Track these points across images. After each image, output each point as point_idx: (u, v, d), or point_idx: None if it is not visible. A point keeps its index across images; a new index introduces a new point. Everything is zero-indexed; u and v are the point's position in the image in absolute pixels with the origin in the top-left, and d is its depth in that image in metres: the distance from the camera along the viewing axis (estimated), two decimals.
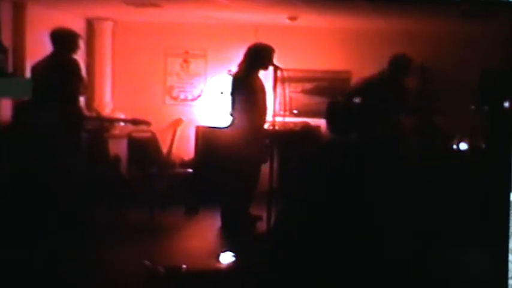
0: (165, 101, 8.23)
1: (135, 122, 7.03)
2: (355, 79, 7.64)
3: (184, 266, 4.41)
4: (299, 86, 8.02)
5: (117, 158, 7.00)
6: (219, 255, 4.93)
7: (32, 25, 6.77)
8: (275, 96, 6.06)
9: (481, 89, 6.94)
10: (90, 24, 7.99)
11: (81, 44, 6.21)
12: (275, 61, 5.95)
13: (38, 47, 6.26)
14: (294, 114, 7.86)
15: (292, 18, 7.23)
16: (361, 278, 3.48)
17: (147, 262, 4.43)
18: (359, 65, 7.69)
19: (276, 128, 6.24)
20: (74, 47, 5.91)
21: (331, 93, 7.91)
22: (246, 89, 6.08)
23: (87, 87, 6.94)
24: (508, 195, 1.93)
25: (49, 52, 5.82)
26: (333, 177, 3.98)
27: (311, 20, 7.39)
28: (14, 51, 6.66)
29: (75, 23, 7.24)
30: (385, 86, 6.35)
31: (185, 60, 8.21)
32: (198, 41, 8.12)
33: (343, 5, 6.32)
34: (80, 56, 6.22)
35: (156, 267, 4.30)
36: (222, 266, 4.78)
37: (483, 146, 6.26)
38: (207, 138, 7.40)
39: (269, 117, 6.21)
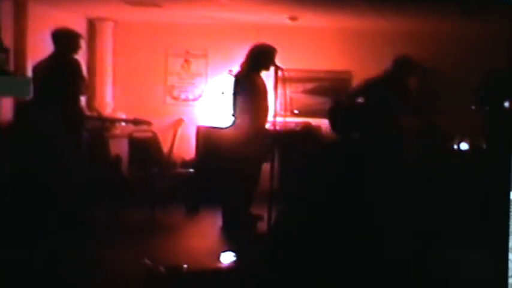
0: (166, 101, 8.24)
1: (136, 122, 7.04)
2: (355, 79, 7.65)
3: (185, 266, 4.41)
4: (300, 86, 8.02)
5: (118, 158, 7.01)
6: (219, 255, 4.93)
7: (33, 25, 6.78)
8: (276, 97, 6.06)
9: (482, 89, 6.94)
10: (91, 24, 8.00)
11: (83, 43, 6.21)
12: (276, 61, 5.96)
13: (39, 47, 6.26)
14: (295, 114, 7.87)
15: (293, 19, 7.24)
16: (361, 278, 3.48)
17: (147, 262, 4.43)
18: (360, 65, 7.70)
19: (277, 128, 6.25)
20: (75, 47, 5.91)
21: (332, 93, 7.92)
22: (248, 89, 6.08)
23: (88, 87, 6.95)
24: (508, 195, 1.93)
25: (50, 52, 5.82)
26: (333, 177, 3.98)
27: (312, 20, 7.40)
28: (15, 51, 6.67)
29: (76, 22, 7.25)
30: (388, 86, 6.35)
31: (186, 60, 8.22)
32: (199, 41, 8.13)
33: (344, 5, 6.32)
34: (81, 56, 6.23)
35: (157, 267, 4.30)
36: (223, 265, 4.78)
37: (483, 146, 6.26)
38: (207, 138, 7.40)
39: (270, 117, 6.22)
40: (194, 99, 8.22)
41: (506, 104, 6.33)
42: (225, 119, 7.38)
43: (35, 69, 5.88)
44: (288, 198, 5.11)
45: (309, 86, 8.08)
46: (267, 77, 6.21)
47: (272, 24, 7.60)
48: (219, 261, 4.85)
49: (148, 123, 6.99)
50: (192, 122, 7.90)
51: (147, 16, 7.58)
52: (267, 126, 6.27)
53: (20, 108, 5.98)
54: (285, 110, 6.54)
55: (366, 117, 4.76)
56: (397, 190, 3.86)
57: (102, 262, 4.74)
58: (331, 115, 4.29)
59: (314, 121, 7.61)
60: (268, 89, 6.17)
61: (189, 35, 8.11)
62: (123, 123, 7.35)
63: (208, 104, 8.08)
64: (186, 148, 7.74)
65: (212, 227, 6.22)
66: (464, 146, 6.41)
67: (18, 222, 5.10)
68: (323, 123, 7.34)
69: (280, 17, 7.19)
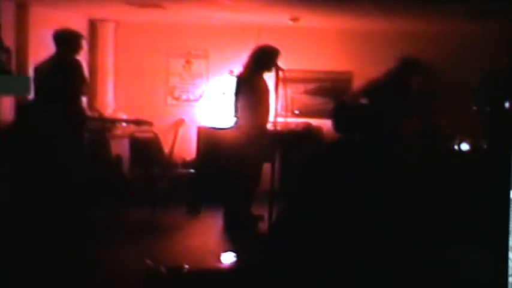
0: (167, 102, 8.25)
1: (137, 122, 7.05)
2: (356, 80, 7.66)
3: (186, 266, 4.42)
4: (301, 87, 8.02)
5: (119, 158, 7.02)
6: (220, 255, 4.94)
7: (35, 26, 6.79)
8: (277, 97, 6.07)
9: (482, 90, 6.94)
10: (92, 25, 8.01)
11: (84, 44, 6.22)
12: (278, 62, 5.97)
13: (41, 48, 6.28)
14: (296, 114, 7.87)
15: (295, 19, 7.24)
16: (361, 278, 3.49)
17: (148, 262, 4.44)
18: (361, 66, 7.70)
19: (278, 128, 6.26)
20: (77, 48, 5.92)
21: (333, 93, 7.92)
22: (250, 90, 6.09)
23: (90, 87, 6.97)
24: (508, 195, 1.94)
25: (52, 52, 5.83)
26: (333, 178, 3.99)
27: (313, 21, 7.40)
28: (17, 52, 6.69)
29: (77, 23, 7.26)
30: (392, 86, 6.35)
31: (187, 61, 8.23)
32: (200, 42, 8.14)
33: (345, 6, 6.33)
34: (82, 57, 6.24)
35: (157, 267, 4.31)
36: (224, 265, 4.79)
37: (484, 146, 6.26)
38: (208, 138, 7.41)
39: (271, 118, 6.23)
40: (195, 100, 8.23)
41: (507, 105, 6.32)
42: (226, 119, 7.39)
43: (37, 70, 5.89)
44: (288, 198, 5.12)
45: (310, 86, 8.09)
46: (268, 77, 6.23)
47: (273, 25, 7.61)
48: (220, 261, 4.86)
49: (149, 124, 7.00)
50: (193, 122, 7.91)
51: (148, 17, 7.59)
52: (268, 126, 6.28)
53: (21, 108, 5.99)
54: (286, 111, 6.55)
55: (369, 117, 4.77)
56: (397, 190, 3.86)
57: (103, 262, 4.74)
58: (335, 115, 4.30)
59: (315, 121, 7.61)
60: (270, 89, 6.18)
61: (190, 35, 8.12)
62: (124, 124, 7.36)
63: (209, 104, 8.09)
64: (187, 148, 7.74)
65: (213, 227, 6.22)
66: (464, 146, 6.41)
67: (19, 222, 5.10)
68: (324, 123, 7.36)
69: (281, 18, 7.20)
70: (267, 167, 6.15)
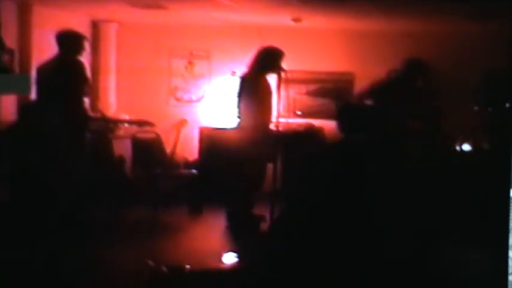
0: (169, 102, 8.26)
1: (139, 123, 7.06)
2: (358, 81, 7.67)
3: (187, 266, 4.43)
4: (303, 88, 8.03)
5: (121, 159, 7.03)
6: (222, 256, 4.94)
7: (38, 26, 6.81)
8: (279, 98, 6.09)
9: (484, 90, 6.94)
10: (95, 26, 8.02)
11: (86, 45, 6.24)
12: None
13: (44, 48, 6.29)
14: (298, 115, 7.88)
15: (296, 20, 7.25)
16: (361, 278, 3.49)
17: (150, 262, 4.45)
18: (362, 67, 7.71)
19: (280, 129, 6.27)
20: (79, 49, 5.93)
21: (335, 94, 7.93)
22: (254, 91, 6.10)
23: (92, 88, 6.98)
24: (507, 195, 1.94)
25: (54, 53, 5.85)
26: (335, 178, 3.99)
27: (315, 21, 7.41)
28: (20, 52, 6.71)
29: (80, 24, 7.28)
30: (397, 88, 6.34)
31: (189, 62, 8.24)
32: (203, 43, 8.15)
33: (346, 7, 6.34)
34: (84, 57, 6.25)
35: (159, 267, 4.32)
36: (226, 266, 4.79)
37: (485, 146, 6.26)
38: (211, 139, 7.42)
39: (273, 118, 6.23)
40: (197, 101, 8.24)
41: (508, 105, 6.32)
42: (228, 120, 7.40)
43: (39, 70, 5.91)
44: (290, 198, 5.12)
45: (312, 87, 8.09)
46: (270, 78, 6.23)
47: (275, 25, 7.62)
48: (222, 261, 4.86)
49: (152, 124, 7.01)
50: (195, 123, 7.92)
51: (150, 18, 7.60)
52: (271, 127, 6.29)
53: (23, 108, 6.00)
54: (288, 111, 6.58)
55: (374, 118, 4.78)
56: (397, 190, 3.87)
57: (104, 262, 4.75)
58: (339, 115, 4.31)
59: (317, 122, 7.61)
60: (273, 91, 6.19)
61: (192, 36, 8.13)
62: (126, 124, 7.38)
63: (211, 105, 8.10)
64: (189, 149, 7.75)
65: (215, 227, 6.23)
66: (466, 147, 6.41)
67: (20, 222, 5.11)
68: (325, 124, 7.37)
69: (283, 19, 7.21)
70: (268, 167, 6.17)
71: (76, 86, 5.88)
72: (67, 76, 5.79)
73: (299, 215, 4.11)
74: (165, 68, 8.22)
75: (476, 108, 6.88)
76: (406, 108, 6.22)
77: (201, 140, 7.58)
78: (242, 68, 6.44)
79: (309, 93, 8.09)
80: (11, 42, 6.52)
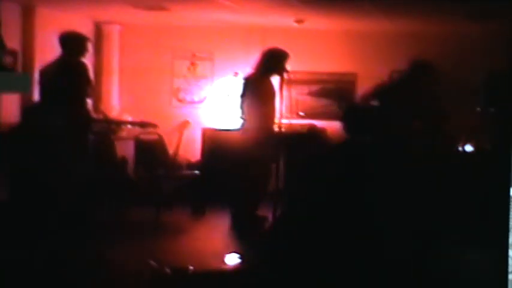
0: (172, 103, 8.27)
1: (142, 124, 7.07)
2: (360, 81, 7.67)
3: (190, 267, 4.43)
4: (305, 88, 8.03)
5: (124, 160, 7.04)
6: (225, 257, 4.95)
7: (41, 28, 6.83)
8: (281, 99, 6.09)
9: (486, 91, 6.93)
10: (98, 27, 8.04)
11: (89, 47, 6.25)
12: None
13: (47, 50, 6.31)
14: (300, 116, 7.88)
15: (299, 21, 7.26)
16: (361, 278, 3.49)
17: (153, 263, 4.45)
18: (365, 67, 7.71)
19: (283, 130, 6.27)
20: (82, 50, 5.94)
21: (337, 95, 7.93)
22: (258, 92, 6.11)
23: (95, 89, 6.99)
24: (508, 194, 1.95)
25: (58, 54, 5.86)
26: (337, 179, 4.00)
27: (317, 22, 7.42)
28: (23, 54, 6.73)
29: (83, 26, 7.29)
30: (403, 89, 6.34)
31: (192, 63, 8.25)
32: (205, 44, 8.16)
33: (349, 8, 6.34)
34: (87, 59, 6.26)
35: (162, 268, 4.32)
36: (229, 267, 4.79)
37: (488, 147, 6.25)
38: (213, 140, 7.43)
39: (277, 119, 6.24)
40: (200, 102, 8.25)
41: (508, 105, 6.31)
42: (231, 121, 7.41)
43: (42, 72, 5.92)
44: (293, 199, 5.12)
45: (315, 88, 8.10)
46: (273, 79, 6.24)
47: (278, 26, 7.62)
48: (225, 262, 4.86)
49: (154, 126, 7.02)
50: (198, 124, 7.93)
51: (153, 19, 7.61)
52: (274, 129, 6.29)
53: (27, 110, 6.02)
54: (291, 112, 6.58)
55: (380, 119, 4.78)
56: (399, 190, 3.87)
57: (107, 263, 4.75)
58: (345, 116, 4.31)
59: (319, 123, 7.62)
60: (277, 92, 6.20)
61: (195, 37, 8.14)
62: (129, 126, 7.39)
63: (214, 106, 8.11)
64: (192, 150, 7.76)
65: (218, 228, 6.23)
66: (468, 147, 6.41)
67: (24, 223, 5.13)
68: (328, 125, 7.38)
69: (286, 20, 7.22)
70: (271, 168, 6.17)
71: (79, 87, 5.89)
72: (70, 78, 5.79)
73: (302, 216, 4.12)
74: (168, 69, 8.23)
75: (478, 109, 6.88)
76: (411, 109, 6.21)
77: (204, 141, 7.58)
78: (245, 69, 6.45)
79: (312, 94, 8.09)
80: (14, 43, 6.54)
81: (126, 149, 7.05)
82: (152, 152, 7.01)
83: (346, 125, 4.20)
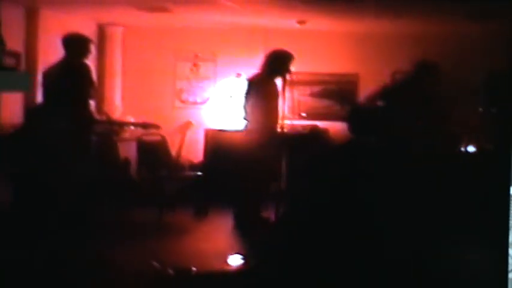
0: (175, 105, 8.29)
1: (144, 125, 7.09)
2: (363, 82, 7.68)
3: (193, 268, 4.45)
4: (307, 89, 8.04)
5: (126, 161, 7.06)
6: (228, 258, 4.96)
7: (44, 30, 6.86)
8: (284, 100, 6.10)
9: (488, 91, 6.93)
10: (101, 29, 8.07)
11: (92, 48, 6.27)
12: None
13: (50, 51, 6.33)
14: (303, 117, 7.89)
15: (301, 22, 7.27)
16: (361, 278, 3.50)
17: (156, 264, 4.47)
18: (367, 68, 7.72)
19: (285, 131, 6.28)
20: (85, 52, 5.95)
21: (340, 96, 7.94)
22: (263, 94, 6.11)
23: (98, 91, 7.01)
24: (508, 193, 1.95)
25: (61, 56, 5.88)
26: (340, 179, 4.01)
27: (320, 23, 7.43)
28: (26, 55, 6.76)
29: (86, 27, 7.31)
30: (408, 90, 6.34)
31: (195, 64, 8.27)
32: (208, 45, 8.18)
33: (351, 9, 6.35)
34: (90, 60, 6.28)
35: (165, 269, 4.33)
36: (231, 268, 4.80)
37: (490, 147, 6.25)
38: (216, 141, 7.44)
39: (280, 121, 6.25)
40: (202, 103, 8.26)
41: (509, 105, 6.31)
42: (233, 122, 7.43)
43: (45, 74, 5.94)
44: (294, 200, 5.13)
45: (317, 89, 8.11)
46: (277, 80, 6.25)
47: (280, 28, 7.64)
48: (227, 263, 4.87)
49: (157, 127, 7.03)
50: (201, 125, 7.95)
51: (156, 21, 7.63)
52: (277, 130, 6.30)
53: (30, 112, 6.04)
54: (293, 113, 6.59)
55: (385, 120, 4.79)
56: (400, 190, 3.88)
57: (110, 264, 4.76)
58: (350, 117, 4.32)
59: (321, 124, 7.63)
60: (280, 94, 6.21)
61: (197, 39, 8.16)
62: (132, 127, 7.41)
63: (217, 107, 8.12)
64: (195, 151, 7.78)
65: (220, 229, 6.24)
66: (471, 148, 6.41)
67: (27, 225, 5.14)
68: (330, 126, 7.39)
69: (288, 21, 7.23)
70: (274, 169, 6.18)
71: (82, 89, 5.91)
72: (73, 79, 5.81)
73: (304, 217, 4.13)
74: (170, 71, 8.25)
75: (480, 109, 6.88)
76: (415, 110, 6.21)
77: (206, 142, 7.60)
78: (247, 70, 6.46)
79: (314, 95, 8.10)
80: (17, 45, 6.57)
81: (128, 150, 7.07)
82: (155, 153, 7.03)
83: (351, 126, 4.21)
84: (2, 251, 4.49)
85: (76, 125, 5.66)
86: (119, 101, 8.16)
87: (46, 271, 4.41)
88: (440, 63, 6.29)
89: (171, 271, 4.32)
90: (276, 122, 6.24)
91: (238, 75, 7.74)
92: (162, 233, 6.12)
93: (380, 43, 7.78)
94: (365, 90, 7.30)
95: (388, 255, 3.58)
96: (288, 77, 6.05)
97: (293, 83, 6.23)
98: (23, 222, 5.18)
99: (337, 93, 7.99)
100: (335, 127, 7.23)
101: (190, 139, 7.74)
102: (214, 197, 6.87)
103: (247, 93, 6.18)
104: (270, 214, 6.05)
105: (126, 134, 7.43)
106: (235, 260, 4.93)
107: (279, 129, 6.29)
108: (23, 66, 6.65)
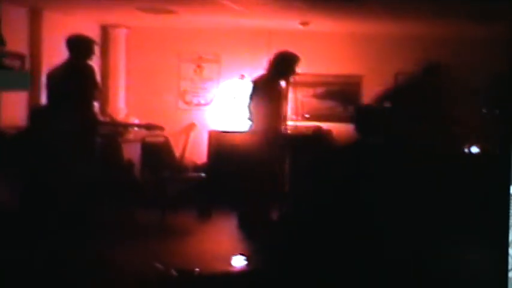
0: (179, 106, 8.29)
1: (148, 127, 7.10)
2: (366, 83, 7.67)
3: (196, 270, 4.45)
4: (311, 90, 8.04)
5: (130, 163, 7.06)
6: (231, 259, 4.96)
7: (48, 31, 6.87)
8: (287, 101, 6.10)
9: (492, 92, 6.92)
10: (104, 30, 8.08)
11: (96, 50, 6.28)
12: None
13: (54, 53, 6.35)
14: (306, 118, 7.89)
15: (304, 24, 7.27)
16: (361, 278, 3.50)
17: (159, 265, 4.47)
18: (370, 69, 7.72)
19: (288, 132, 6.29)
20: (89, 53, 5.97)
21: (343, 97, 7.94)
22: (269, 95, 6.12)
23: (102, 92, 7.02)
24: (508, 192, 1.95)
25: (65, 58, 5.89)
26: (350, 179, 4.00)
27: (323, 25, 7.43)
28: (30, 57, 6.77)
29: (89, 29, 7.33)
30: (415, 91, 6.34)
31: (198, 65, 8.27)
32: (212, 47, 8.18)
33: (354, 10, 6.35)
34: (94, 62, 6.30)
35: (168, 271, 4.34)
36: (235, 269, 4.81)
37: (494, 148, 6.24)
38: (220, 142, 7.45)
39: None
40: (206, 104, 8.27)
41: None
42: (237, 123, 7.43)
43: (49, 75, 5.95)
44: (298, 201, 5.13)
45: (320, 90, 8.10)
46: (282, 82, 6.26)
47: (283, 29, 7.64)
48: (231, 265, 4.87)
49: (161, 128, 7.04)
50: (204, 126, 7.95)
51: (159, 22, 7.64)
52: (282, 131, 6.30)
53: (34, 113, 6.05)
54: (296, 114, 6.59)
55: (392, 120, 4.79)
56: (400, 190, 3.87)
57: (112, 265, 4.77)
58: (357, 117, 4.32)
59: (324, 125, 7.62)
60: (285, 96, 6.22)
61: (201, 40, 8.17)
62: (135, 128, 7.42)
63: (220, 108, 8.13)
64: (198, 152, 7.78)
65: (224, 231, 6.24)
66: (474, 149, 6.40)
67: (30, 226, 5.15)
68: (333, 127, 7.39)
69: (291, 22, 7.23)
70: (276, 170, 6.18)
71: (86, 90, 5.92)
72: (77, 80, 5.82)
73: (308, 218, 4.12)
74: (174, 72, 8.26)
75: (484, 110, 6.87)
76: (422, 111, 6.21)
77: (210, 144, 7.60)
78: (251, 71, 6.47)
79: (317, 96, 8.10)
80: (21, 47, 6.59)
81: (132, 152, 7.08)
82: (159, 155, 7.04)
83: (359, 126, 4.20)
84: (11, 251, 4.51)
85: (80, 127, 5.68)
86: (123, 102, 8.17)
87: (49, 271, 4.42)
88: (445, 65, 6.28)
89: (174, 272, 4.32)
90: (280, 123, 6.24)
91: (242, 76, 7.75)
92: (166, 234, 6.13)
93: (383, 44, 7.77)
94: (368, 92, 7.31)
95: (388, 255, 3.57)
96: (293, 78, 6.06)
97: (296, 84, 6.24)
98: (30, 224, 5.19)
99: (340, 94, 7.98)
100: (338, 128, 7.22)
101: (194, 140, 7.75)
102: (218, 199, 6.87)
103: (252, 94, 6.18)
104: (273, 215, 6.05)
105: (130, 136, 7.44)
106: (238, 262, 4.93)
107: (283, 131, 6.29)
108: (27, 67, 6.66)
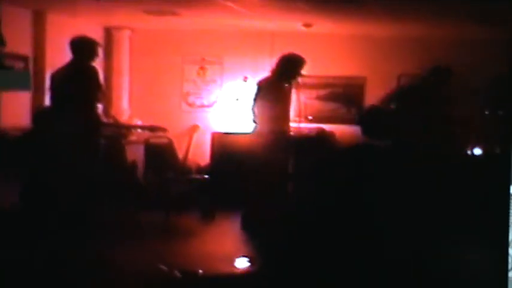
0: (182, 108, 8.31)
1: (152, 128, 7.12)
2: (369, 85, 7.68)
3: (200, 271, 4.46)
4: (314, 92, 8.05)
5: (134, 164, 7.08)
6: (234, 260, 4.96)
7: (52, 33, 6.89)
8: (291, 103, 6.11)
9: (494, 94, 6.92)
10: (108, 32, 8.10)
11: (100, 51, 6.29)
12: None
13: (58, 55, 6.37)
14: (309, 120, 7.89)
15: (307, 25, 7.28)
16: (361, 278, 3.50)
17: (163, 266, 4.48)
18: (373, 71, 7.72)
19: (292, 134, 6.29)
20: (93, 55, 5.98)
21: (346, 99, 7.94)
22: (275, 97, 6.13)
23: (105, 94, 7.04)
24: (508, 192, 1.96)
25: (68, 59, 5.91)
26: (355, 181, 4.00)
27: (326, 26, 7.44)
28: (34, 59, 6.80)
29: (93, 31, 7.34)
30: (422, 93, 6.34)
31: (201, 67, 8.29)
32: (215, 48, 8.19)
33: (357, 12, 6.36)
34: (98, 64, 6.31)
35: (172, 272, 4.35)
36: (238, 270, 4.81)
37: (496, 149, 6.24)
38: (223, 144, 7.46)
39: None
40: (209, 106, 8.28)
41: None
42: (240, 125, 7.44)
43: (53, 77, 5.97)
44: (301, 202, 5.14)
45: (323, 92, 8.11)
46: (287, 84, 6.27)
47: (287, 31, 7.65)
48: (234, 266, 4.88)
49: (164, 130, 7.06)
50: (207, 128, 7.96)
51: (163, 24, 7.66)
52: (286, 133, 6.31)
53: (38, 115, 6.07)
54: (299, 116, 6.59)
55: (398, 123, 4.79)
56: (401, 191, 3.87)
57: (116, 267, 4.77)
58: (363, 119, 4.32)
59: (328, 127, 7.62)
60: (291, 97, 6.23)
61: (204, 42, 8.18)
62: (139, 130, 7.44)
63: (223, 110, 8.14)
64: (201, 154, 7.79)
65: (227, 232, 6.25)
66: (477, 150, 6.40)
67: (32, 227, 5.17)
68: (337, 129, 7.39)
69: (294, 24, 7.24)
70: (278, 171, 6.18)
71: (90, 92, 5.93)
72: (81, 82, 5.84)
73: (311, 219, 4.13)
74: (177, 74, 8.27)
75: (486, 112, 6.87)
76: (428, 113, 6.21)
77: (213, 145, 7.61)
78: (254, 73, 6.48)
79: (320, 98, 8.10)
80: (25, 49, 6.61)
81: (136, 153, 7.09)
82: (162, 156, 7.05)
83: (365, 128, 4.20)
84: (26, 251, 4.53)
85: (84, 128, 5.69)
86: (126, 104, 8.18)
87: (44, 271, 4.43)
88: (449, 66, 6.29)
89: (177, 274, 4.33)
90: (285, 125, 6.25)
91: (245, 78, 7.76)
92: (169, 235, 6.13)
93: (386, 46, 7.77)
94: (371, 93, 7.32)
95: (389, 255, 3.57)
96: (298, 81, 6.07)
97: (300, 86, 6.24)
98: (36, 224, 5.21)
99: (344, 96, 7.99)
100: (342, 130, 7.23)
101: (197, 142, 7.76)
102: (221, 200, 6.88)
103: (257, 96, 6.18)
104: (276, 217, 6.05)
105: (134, 137, 7.46)
106: (241, 263, 4.94)
107: (287, 133, 6.30)
108: (31, 69, 6.69)
